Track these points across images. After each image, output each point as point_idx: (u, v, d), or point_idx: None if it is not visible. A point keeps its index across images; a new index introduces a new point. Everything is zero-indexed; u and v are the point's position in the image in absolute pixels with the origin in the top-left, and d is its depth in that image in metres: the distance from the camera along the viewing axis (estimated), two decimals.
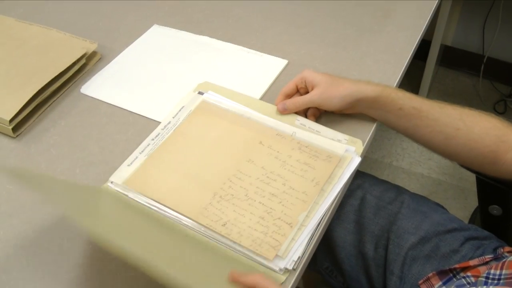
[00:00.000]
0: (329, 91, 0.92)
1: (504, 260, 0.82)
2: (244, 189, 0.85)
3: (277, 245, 0.76)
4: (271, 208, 0.82)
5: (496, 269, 0.78)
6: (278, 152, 0.90)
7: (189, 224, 0.81)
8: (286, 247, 0.76)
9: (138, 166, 0.90)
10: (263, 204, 0.82)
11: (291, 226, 0.79)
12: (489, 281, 0.76)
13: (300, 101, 0.95)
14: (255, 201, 0.83)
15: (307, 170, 0.87)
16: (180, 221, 0.81)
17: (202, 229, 0.80)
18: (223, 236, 0.79)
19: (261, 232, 0.78)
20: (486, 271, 0.78)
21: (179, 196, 0.85)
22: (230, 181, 0.86)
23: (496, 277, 0.76)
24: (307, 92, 0.95)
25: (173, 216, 0.82)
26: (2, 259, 0.78)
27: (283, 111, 0.96)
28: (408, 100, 0.90)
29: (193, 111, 0.99)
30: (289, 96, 0.98)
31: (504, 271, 0.78)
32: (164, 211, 0.83)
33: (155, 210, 0.83)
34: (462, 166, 0.96)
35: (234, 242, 0.78)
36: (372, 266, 1.00)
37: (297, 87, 0.97)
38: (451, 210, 1.05)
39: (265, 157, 0.90)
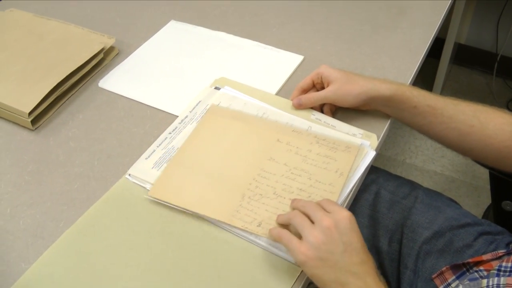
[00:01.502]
0: (344, 88, 0.92)
1: None
2: (271, 187, 0.84)
3: None
4: None
5: (507, 262, 0.78)
6: (297, 147, 0.90)
7: (224, 228, 0.81)
8: None
9: (160, 174, 0.88)
10: None
11: None
12: (501, 273, 0.77)
13: (315, 96, 0.96)
14: (284, 198, 0.83)
15: (329, 162, 0.87)
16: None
17: (237, 230, 0.80)
18: (260, 236, 0.78)
19: None
20: (498, 264, 0.79)
21: (207, 201, 0.84)
22: (256, 180, 0.86)
23: (508, 269, 0.77)
24: (323, 88, 0.96)
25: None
26: (22, 249, 0.80)
27: (298, 107, 0.97)
28: (422, 98, 0.90)
29: (208, 110, 0.98)
30: (305, 91, 0.99)
31: None
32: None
33: None
34: (476, 161, 0.96)
35: (275, 242, 0.77)
36: (386, 260, 1.01)
37: (313, 82, 0.97)
38: (464, 207, 1.05)
39: (285, 153, 0.90)
